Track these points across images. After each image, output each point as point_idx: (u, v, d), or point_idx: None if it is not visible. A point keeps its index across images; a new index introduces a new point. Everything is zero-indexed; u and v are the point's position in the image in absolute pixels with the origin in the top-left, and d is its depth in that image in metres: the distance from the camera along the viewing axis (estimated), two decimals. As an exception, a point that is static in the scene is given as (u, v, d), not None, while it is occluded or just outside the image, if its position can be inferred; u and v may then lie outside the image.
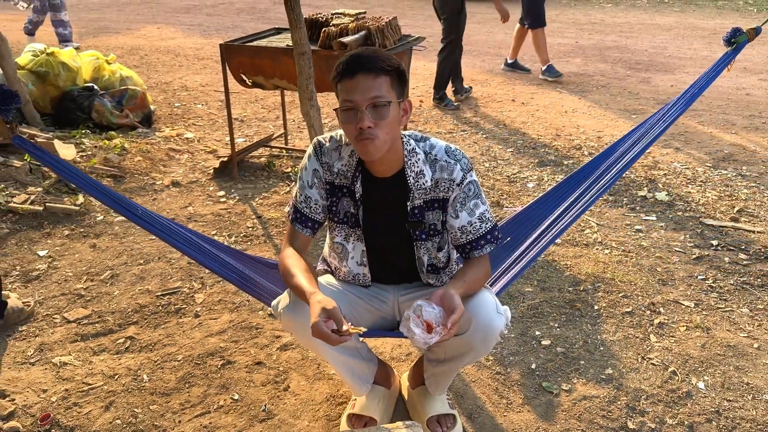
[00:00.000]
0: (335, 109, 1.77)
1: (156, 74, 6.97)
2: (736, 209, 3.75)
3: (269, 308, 2.77)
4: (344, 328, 1.61)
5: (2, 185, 3.85)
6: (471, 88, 6.24)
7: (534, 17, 6.40)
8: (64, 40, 7.80)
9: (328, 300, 1.64)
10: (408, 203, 1.86)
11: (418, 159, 1.84)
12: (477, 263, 1.90)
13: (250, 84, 4.14)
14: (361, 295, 2.02)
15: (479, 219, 1.89)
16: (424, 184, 1.84)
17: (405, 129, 1.91)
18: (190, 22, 10.00)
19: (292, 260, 1.85)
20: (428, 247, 1.94)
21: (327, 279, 2.05)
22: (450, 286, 1.75)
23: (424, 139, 1.88)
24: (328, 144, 1.90)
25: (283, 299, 1.89)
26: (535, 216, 2.35)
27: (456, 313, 1.65)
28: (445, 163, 1.84)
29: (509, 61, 6.94)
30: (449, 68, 5.86)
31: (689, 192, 4.01)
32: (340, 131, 1.90)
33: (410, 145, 1.85)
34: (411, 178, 1.84)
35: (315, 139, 1.93)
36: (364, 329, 1.69)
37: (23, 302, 2.80)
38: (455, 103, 5.91)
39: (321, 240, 3.21)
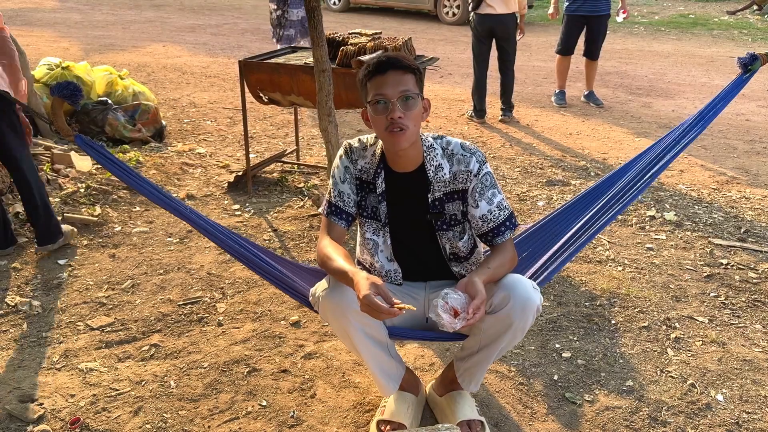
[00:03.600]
0: (367, 102, 1.91)
1: (164, 91, 7.03)
2: (742, 230, 3.83)
3: (296, 317, 2.85)
4: (395, 301, 1.69)
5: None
6: (478, 115, 6.30)
7: (560, 43, 6.63)
8: None
9: (375, 277, 1.75)
10: (429, 195, 2.00)
11: (437, 154, 1.99)
12: (501, 250, 2.01)
13: (266, 101, 4.21)
14: (395, 291, 2.06)
15: (497, 207, 2.02)
16: (443, 176, 1.99)
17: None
18: (195, 41, 10.10)
19: (331, 248, 1.96)
20: (449, 237, 2.07)
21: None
22: (474, 274, 1.87)
23: (441, 137, 2.05)
24: (356, 145, 2.07)
25: (321, 285, 1.96)
26: (563, 222, 2.45)
27: (477, 299, 1.77)
28: (462, 156, 1.98)
29: (585, 93, 6.94)
30: (474, 87, 6.14)
31: (696, 212, 4.09)
32: (366, 135, 2.06)
33: (428, 141, 2.01)
34: (431, 171, 1.98)
35: (345, 142, 2.09)
36: (413, 307, 1.77)
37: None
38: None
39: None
